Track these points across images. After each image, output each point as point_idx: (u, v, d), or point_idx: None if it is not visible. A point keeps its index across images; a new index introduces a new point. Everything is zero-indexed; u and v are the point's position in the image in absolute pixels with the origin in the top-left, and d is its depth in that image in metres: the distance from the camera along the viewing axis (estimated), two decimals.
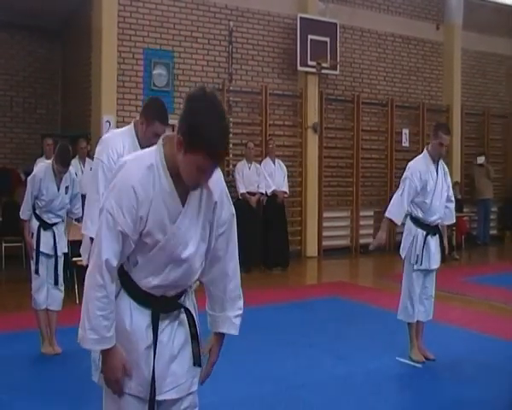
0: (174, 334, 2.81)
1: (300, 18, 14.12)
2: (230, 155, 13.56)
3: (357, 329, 8.08)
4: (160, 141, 2.70)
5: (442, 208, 6.75)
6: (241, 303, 2.96)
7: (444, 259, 6.91)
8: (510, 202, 18.31)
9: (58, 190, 6.84)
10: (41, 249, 6.87)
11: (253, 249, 11.93)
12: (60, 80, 14.80)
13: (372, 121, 16.05)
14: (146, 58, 12.53)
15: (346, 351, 7.07)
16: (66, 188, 6.93)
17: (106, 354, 2.69)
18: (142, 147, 4.27)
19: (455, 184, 16.36)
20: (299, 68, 14.25)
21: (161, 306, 2.77)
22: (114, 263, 2.64)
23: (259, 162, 13.13)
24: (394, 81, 16.50)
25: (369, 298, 10.01)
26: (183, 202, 2.68)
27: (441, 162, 6.81)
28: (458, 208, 15.79)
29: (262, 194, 12.81)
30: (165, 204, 2.64)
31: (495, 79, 18.85)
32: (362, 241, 15.63)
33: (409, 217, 6.82)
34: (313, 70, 14.34)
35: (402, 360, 6.68)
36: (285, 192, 13.04)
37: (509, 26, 18.86)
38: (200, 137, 2.47)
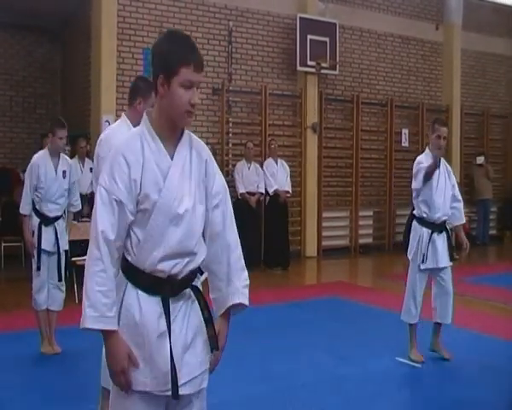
0: (187, 322, 2.76)
1: (300, 18, 14.13)
2: (230, 155, 13.58)
3: (356, 329, 8.09)
4: (144, 114, 2.80)
5: (446, 206, 6.77)
6: (246, 274, 2.94)
7: (452, 257, 6.86)
8: (510, 202, 18.31)
9: (56, 173, 6.80)
10: (42, 247, 6.81)
11: (252, 249, 11.93)
12: (59, 80, 14.81)
13: (371, 121, 16.06)
14: (145, 58, 12.51)
15: (346, 351, 7.07)
16: (64, 172, 6.89)
17: (109, 340, 2.62)
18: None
19: None
20: (299, 68, 14.26)
21: (170, 289, 2.73)
22: (111, 236, 2.62)
23: (259, 162, 13.14)
24: (394, 81, 16.51)
25: (369, 298, 10.02)
26: (172, 158, 2.75)
27: (443, 161, 6.83)
28: None
29: (262, 194, 12.82)
30: (157, 164, 2.69)
31: (494, 79, 18.86)
32: (361, 241, 15.66)
33: (414, 218, 6.84)
34: (313, 70, 14.35)
35: (402, 360, 6.68)
36: (287, 192, 13.03)
37: (508, 26, 18.88)
38: (174, 55, 2.65)
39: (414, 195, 6.90)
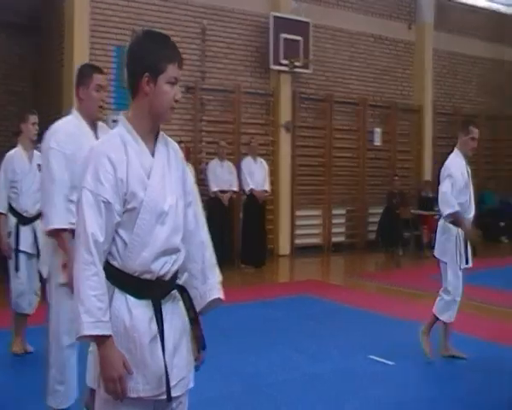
0: (174, 323, 2.77)
1: (273, 17, 14.15)
2: (203, 154, 13.55)
3: (328, 327, 8.12)
4: (121, 116, 2.82)
5: (473, 207, 6.81)
6: (218, 270, 3.03)
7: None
8: (479, 201, 18.39)
9: (30, 165, 6.71)
10: (20, 248, 6.61)
11: (225, 247, 11.91)
12: (31, 77, 14.67)
13: (344, 120, 16.12)
14: (118, 56, 12.46)
15: (318, 349, 7.10)
16: (39, 166, 6.50)
17: (104, 346, 2.58)
18: (91, 121, 4.50)
19: (426, 183, 16.57)
20: (272, 67, 14.28)
21: (160, 290, 2.74)
22: (100, 238, 2.60)
23: (232, 160, 13.13)
24: (366, 80, 16.58)
25: (341, 296, 10.07)
26: (153, 155, 2.78)
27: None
28: (430, 207, 15.95)
29: (234, 192, 12.79)
30: (140, 162, 2.71)
31: (466, 80, 19.02)
32: (334, 239, 15.72)
33: (444, 218, 6.78)
34: (286, 69, 14.38)
35: (373, 357, 6.72)
36: (265, 191, 12.96)
37: (479, 28, 19.04)
38: (160, 54, 2.72)
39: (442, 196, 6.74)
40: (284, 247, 14.73)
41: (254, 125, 14.40)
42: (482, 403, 5.59)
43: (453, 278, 6.67)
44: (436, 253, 6.82)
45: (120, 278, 2.68)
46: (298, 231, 15.12)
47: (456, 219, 6.68)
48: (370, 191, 16.30)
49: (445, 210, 6.61)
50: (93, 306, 2.54)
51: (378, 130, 16.44)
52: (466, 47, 18.64)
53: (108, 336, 2.57)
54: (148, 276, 2.70)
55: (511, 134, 19.86)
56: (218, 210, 12.10)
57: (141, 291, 2.69)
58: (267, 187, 12.98)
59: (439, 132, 17.98)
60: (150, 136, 2.79)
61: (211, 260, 2.99)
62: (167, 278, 2.76)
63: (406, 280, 11.58)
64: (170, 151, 2.84)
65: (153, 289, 2.71)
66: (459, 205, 6.66)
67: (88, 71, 4.61)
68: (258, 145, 13.38)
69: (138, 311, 2.67)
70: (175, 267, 2.79)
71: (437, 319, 6.71)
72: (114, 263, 2.69)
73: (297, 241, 15.08)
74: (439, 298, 6.75)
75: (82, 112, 4.53)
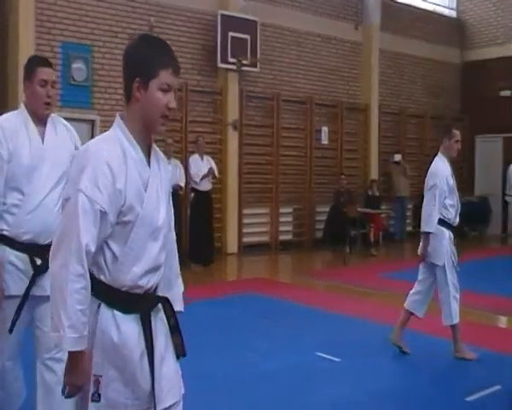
0: (159, 334, 2.71)
1: (221, 15, 14.13)
2: None
3: (277, 325, 8.14)
4: (117, 118, 2.69)
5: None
6: (181, 280, 3.01)
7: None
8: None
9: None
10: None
11: None
12: None
13: (292, 119, 16.18)
14: (64, 52, 12.30)
15: (267, 347, 7.11)
16: None
17: (79, 356, 2.52)
18: (36, 115, 4.09)
19: (372, 182, 16.75)
20: (220, 65, 14.26)
21: (147, 304, 2.68)
22: (93, 248, 2.49)
23: (179, 158, 13.08)
24: (314, 79, 16.68)
25: (289, 294, 10.10)
26: (149, 166, 2.69)
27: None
28: (376, 205, 16.14)
29: (181, 188, 12.66)
30: (138, 172, 2.61)
31: (411, 80, 19.31)
32: (281, 237, 15.79)
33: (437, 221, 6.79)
34: (233, 67, 14.37)
35: (321, 354, 6.76)
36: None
37: (424, 29, 19.36)
38: (153, 59, 2.61)
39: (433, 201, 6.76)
40: (232, 245, 14.72)
41: (202, 124, 14.36)
42: (430, 397, 5.67)
43: (449, 280, 6.72)
44: (432, 259, 6.82)
45: (107, 293, 2.59)
46: (245, 230, 15.13)
47: (424, 236, 6.84)
48: (317, 190, 16.41)
49: (424, 227, 6.73)
50: (78, 321, 2.44)
51: (325, 129, 16.56)
52: (411, 48, 18.93)
53: (83, 351, 2.52)
54: (136, 290, 2.63)
55: None
56: None
57: (129, 306, 2.62)
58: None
59: (385, 132, 18.20)
60: (145, 144, 2.69)
61: (177, 269, 2.97)
62: (153, 290, 2.71)
63: (354, 278, 11.68)
64: (160, 163, 2.76)
65: (141, 303, 2.65)
66: (451, 207, 6.77)
67: (32, 64, 4.27)
68: (206, 143, 13.33)
69: (127, 326, 2.59)
70: (158, 279, 2.75)
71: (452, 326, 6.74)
72: (101, 277, 2.59)
73: (245, 239, 15.09)
74: (445, 306, 6.75)
75: (27, 108, 4.17)
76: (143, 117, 2.63)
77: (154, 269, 2.67)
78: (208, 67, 14.48)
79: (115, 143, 2.60)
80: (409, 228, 18.33)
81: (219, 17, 14.10)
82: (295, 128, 16.25)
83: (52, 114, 4.21)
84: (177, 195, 12.58)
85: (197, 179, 12.64)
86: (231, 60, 14.25)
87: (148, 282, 2.65)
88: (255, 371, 6.32)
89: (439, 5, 20.56)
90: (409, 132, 19.03)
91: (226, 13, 14.27)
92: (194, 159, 12.88)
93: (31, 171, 3.96)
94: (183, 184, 12.67)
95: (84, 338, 2.48)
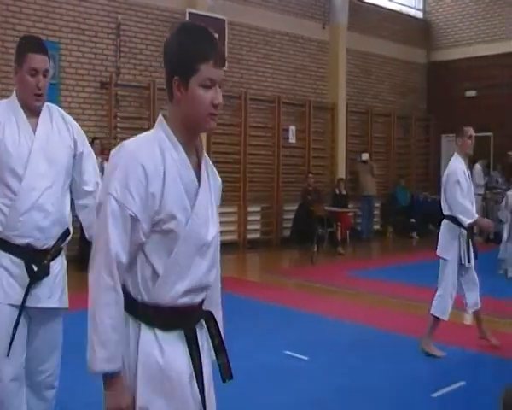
0: (205, 354, 2.48)
1: (189, 13, 14.12)
2: None
3: (245, 323, 8.14)
4: (160, 117, 2.41)
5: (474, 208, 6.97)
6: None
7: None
8: (391, 198, 18.90)
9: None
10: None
11: None
12: None
13: (259, 118, 16.21)
14: None
15: (236, 346, 7.09)
16: None
17: (113, 383, 2.27)
18: (27, 106, 3.62)
19: (340, 181, 16.83)
20: None
21: (191, 319, 2.42)
22: (124, 258, 2.25)
23: None
24: (281, 78, 16.72)
25: (257, 293, 10.12)
26: (197, 175, 2.40)
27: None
28: (343, 204, 16.21)
29: None
30: (181, 178, 2.32)
31: (378, 80, 19.45)
32: (249, 236, 15.80)
33: (448, 218, 6.91)
34: None
35: (289, 353, 6.79)
36: None
37: (391, 30, 19.53)
38: (190, 52, 2.29)
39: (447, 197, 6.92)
40: None
41: None
42: (397, 394, 5.73)
43: (450, 274, 6.84)
44: (438, 251, 6.94)
45: (147, 312, 2.32)
46: None
47: (475, 224, 7.01)
48: (285, 188, 16.46)
49: (466, 220, 6.78)
50: (109, 338, 2.21)
51: (293, 128, 16.61)
52: (378, 48, 19.08)
53: (120, 372, 2.28)
54: (180, 307, 2.36)
55: (421, 133, 20.49)
56: None
57: (172, 324, 2.36)
58: None
59: (352, 131, 18.31)
60: (190, 147, 2.41)
61: (218, 298, 2.70)
62: (198, 306, 2.45)
63: (321, 277, 11.73)
64: (209, 171, 2.50)
65: (185, 320, 2.39)
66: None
67: (21, 48, 3.75)
68: None
69: (171, 345, 2.34)
70: (204, 296, 2.49)
71: (436, 319, 6.84)
72: (139, 297, 2.33)
73: None
74: (440, 298, 6.88)
75: (18, 96, 3.68)
76: (187, 118, 2.35)
77: (199, 289, 2.41)
78: None
79: (153, 144, 2.32)
80: (376, 227, 18.50)
81: (187, 15, 14.07)
82: (263, 127, 16.28)
83: (47, 104, 3.75)
84: None
85: None
86: None
87: (192, 299, 2.39)
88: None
89: (405, 6, 20.75)
90: (376, 131, 19.17)
91: (194, 11, 14.24)
92: None
93: (20, 166, 3.50)
94: None
95: (117, 359, 2.25)
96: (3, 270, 3.55)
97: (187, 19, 13.97)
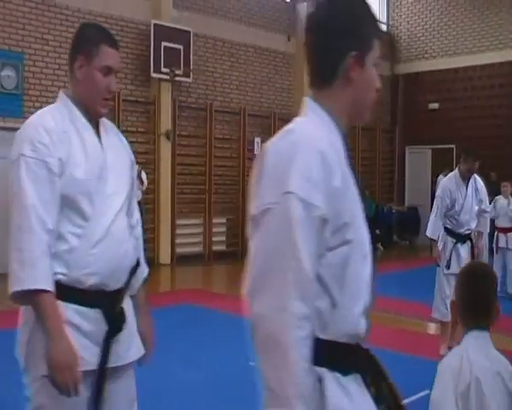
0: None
1: (154, 24, 14.12)
2: None
3: (211, 335, 8.14)
4: (308, 100, 2.07)
5: (472, 221, 7.31)
6: None
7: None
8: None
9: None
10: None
11: None
12: None
13: (225, 129, 16.24)
14: None
15: (200, 358, 7.10)
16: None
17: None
18: (90, 111, 2.93)
19: None
20: (153, 75, 14.22)
21: (366, 360, 2.01)
22: (313, 276, 1.75)
23: None
24: (247, 90, 16.78)
25: (223, 305, 10.09)
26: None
27: (474, 179, 7.31)
28: None
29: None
30: (349, 171, 1.93)
31: None
32: (215, 248, 15.78)
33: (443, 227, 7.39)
34: (166, 77, 14.35)
35: (254, 364, 6.76)
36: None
37: None
38: (368, 26, 1.96)
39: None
40: (165, 256, 14.65)
41: (135, 134, 14.24)
42: None
43: (437, 280, 7.40)
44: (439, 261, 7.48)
45: (329, 354, 1.83)
46: (179, 240, 15.08)
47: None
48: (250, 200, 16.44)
49: (427, 232, 7.56)
50: (307, 388, 1.73)
51: (258, 139, 16.64)
52: None
53: None
54: (355, 340, 1.93)
55: (386, 145, 20.66)
56: None
57: (351, 364, 1.91)
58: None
59: None
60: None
61: None
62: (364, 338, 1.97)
63: None
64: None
65: (359, 357, 1.95)
66: (454, 218, 7.40)
67: (95, 38, 2.88)
68: (138, 154, 13.23)
69: (357, 392, 1.89)
70: None
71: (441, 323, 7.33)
72: (321, 335, 1.82)
73: (178, 250, 15.04)
74: (435, 302, 7.47)
75: (75, 98, 2.90)
76: (355, 102, 2.00)
77: (370, 305, 2.00)
78: (141, 77, 14.42)
79: (323, 128, 1.93)
80: None
81: (152, 27, 14.07)
82: (228, 139, 16.31)
83: (103, 119, 3.13)
84: None
85: None
86: (164, 70, 14.22)
87: (364, 324, 1.96)
88: (183, 380, 6.31)
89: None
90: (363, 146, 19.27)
91: (159, 23, 14.25)
92: None
93: (91, 186, 2.77)
94: None
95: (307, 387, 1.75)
96: (73, 330, 2.70)
97: (152, 30, 13.97)
